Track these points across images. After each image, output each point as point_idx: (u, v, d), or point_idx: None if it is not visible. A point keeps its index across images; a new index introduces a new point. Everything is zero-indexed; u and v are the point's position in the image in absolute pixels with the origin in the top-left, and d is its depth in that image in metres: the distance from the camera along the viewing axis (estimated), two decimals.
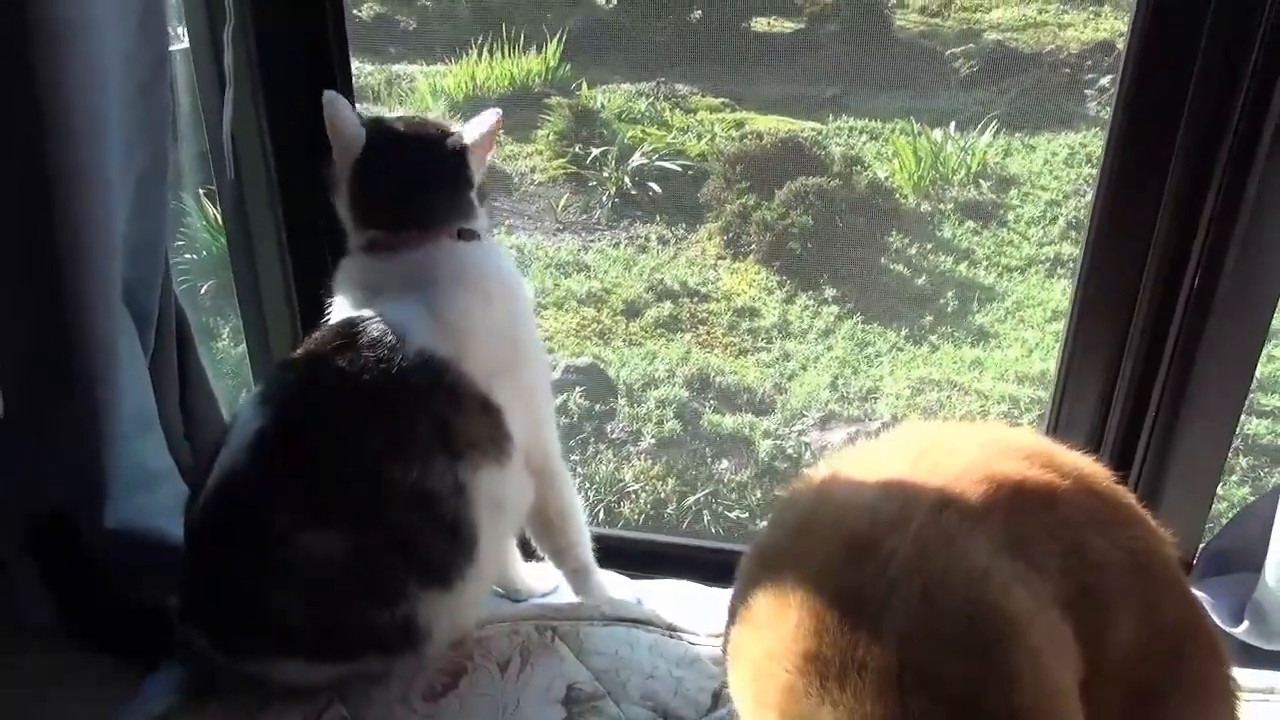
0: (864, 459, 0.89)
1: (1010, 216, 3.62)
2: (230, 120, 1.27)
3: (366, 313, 1.05)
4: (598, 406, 2.80)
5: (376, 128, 1.08)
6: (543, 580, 1.33)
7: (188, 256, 3.02)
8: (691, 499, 2.54)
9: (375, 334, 1.01)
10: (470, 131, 1.09)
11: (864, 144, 3.98)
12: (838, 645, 0.71)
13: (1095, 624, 0.78)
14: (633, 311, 3.22)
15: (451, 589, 1.07)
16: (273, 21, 1.25)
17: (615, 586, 1.33)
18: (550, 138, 3.97)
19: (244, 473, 1.01)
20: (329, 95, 1.07)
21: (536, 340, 1.16)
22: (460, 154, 1.08)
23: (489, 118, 1.10)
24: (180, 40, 1.29)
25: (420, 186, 1.07)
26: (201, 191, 2.97)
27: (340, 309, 1.11)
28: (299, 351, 1.08)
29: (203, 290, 3.01)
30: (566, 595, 1.32)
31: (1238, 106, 1.09)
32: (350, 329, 1.03)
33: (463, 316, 1.05)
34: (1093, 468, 0.88)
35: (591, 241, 3.54)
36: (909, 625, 0.72)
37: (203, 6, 1.24)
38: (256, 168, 1.33)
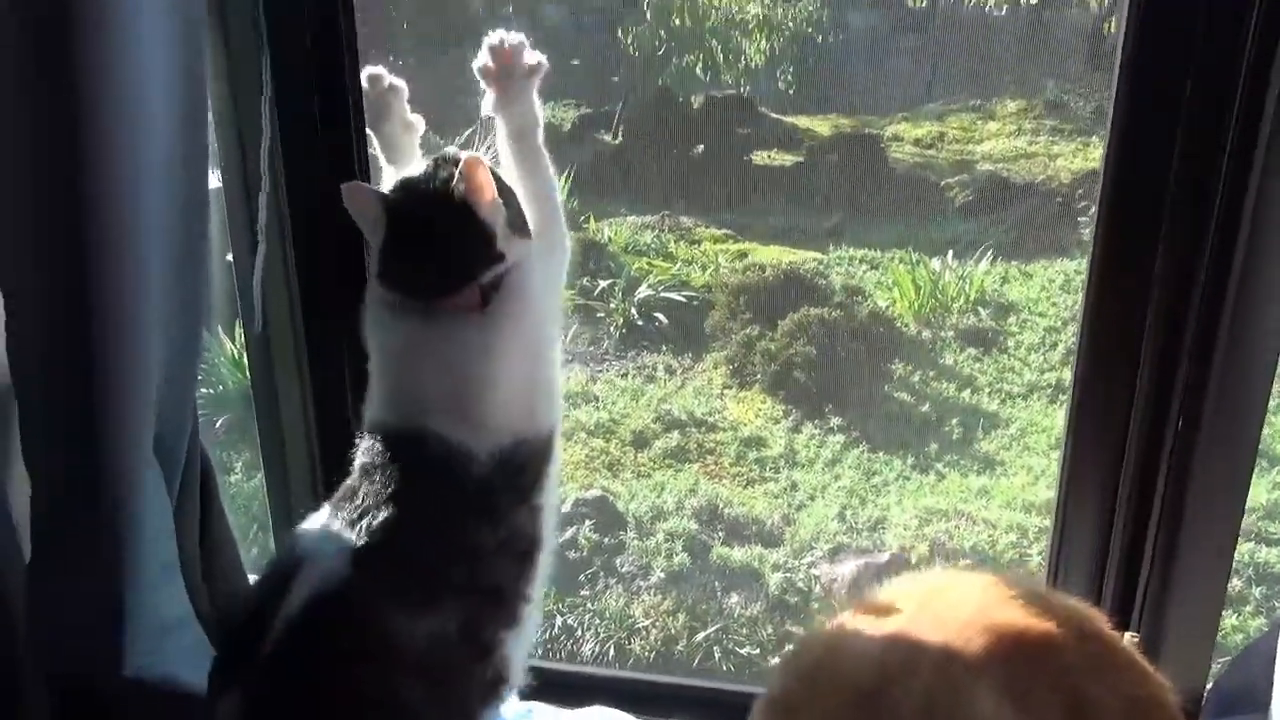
0: (868, 610, 0.91)
1: (1010, 343, 3.69)
2: (261, 277, 1.33)
3: (426, 426, 1.04)
4: (607, 540, 2.81)
5: (393, 216, 1.06)
6: None
7: (205, 391, 3.08)
8: (702, 635, 2.52)
9: (442, 455, 1.01)
10: (472, 197, 1.03)
11: (864, 273, 4.09)
12: None
13: None
14: (641, 442, 3.26)
15: (523, 619, 1.07)
16: (305, 185, 1.32)
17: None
18: None
19: (342, 589, 0.99)
20: (347, 187, 1.07)
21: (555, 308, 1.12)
22: (470, 223, 1.03)
23: (472, 170, 1.02)
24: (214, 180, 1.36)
25: (439, 272, 1.05)
26: (220, 327, 3.06)
27: (378, 378, 1.09)
28: (360, 470, 1.07)
29: (218, 424, 3.07)
30: None
31: (1210, 233, 1.14)
32: (416, 448, 1.03)
33: (505, 411, 1.04)
34: (1089, 613, 0.91)
35: (600, 372, 3.60)
36: None
37: (239, 173, 1.33)
38: (283, 320, 1.38)
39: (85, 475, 1.15)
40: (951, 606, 0.87)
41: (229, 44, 1.26)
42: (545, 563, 1.10)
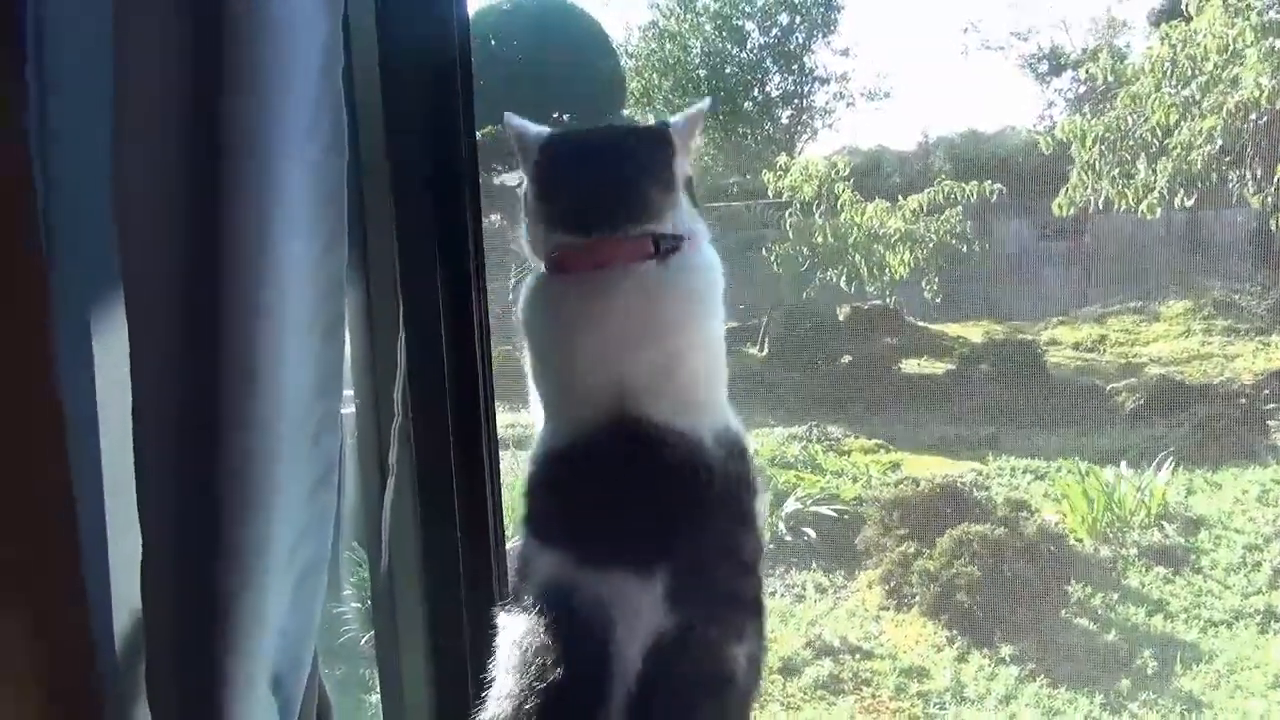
0: None
1: (1205, 562, 3.34)
2: (389, 509, 1.34)
3: (640, 415, 0.91)
4: None
5: (561, 132, 1.00)
6: None
7: (355, 605, 3.12)
8: None
9: (676, 447, 0.90)
10: (679, 140, 0.96)
11: (1028, 484, 3.86)
12: None
13: None
14: (790, 670, 3.05)
15: None
16: (432, 425, 1.35)
17: None
18: None
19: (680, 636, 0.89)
20: (509, 115, 1.00)
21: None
22: (660, 145, 0.96)
23: (697, 117, 0.97)
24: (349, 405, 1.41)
25: (609, 180, 0.97)
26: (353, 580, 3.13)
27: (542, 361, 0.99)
28: (577, 477, 0.96)
29: (364, 640, 3.08)
30: None
31: None
32: (641, 445, 0.91)
33: (715, 381, 0.95)
34: None
35: None
36: None
37: (372, 408, 1.37)
38: (408, 554, 1.38)
39: (202, 710, 1.14)
40: None
41: (370, 289, 1.33)
42: None
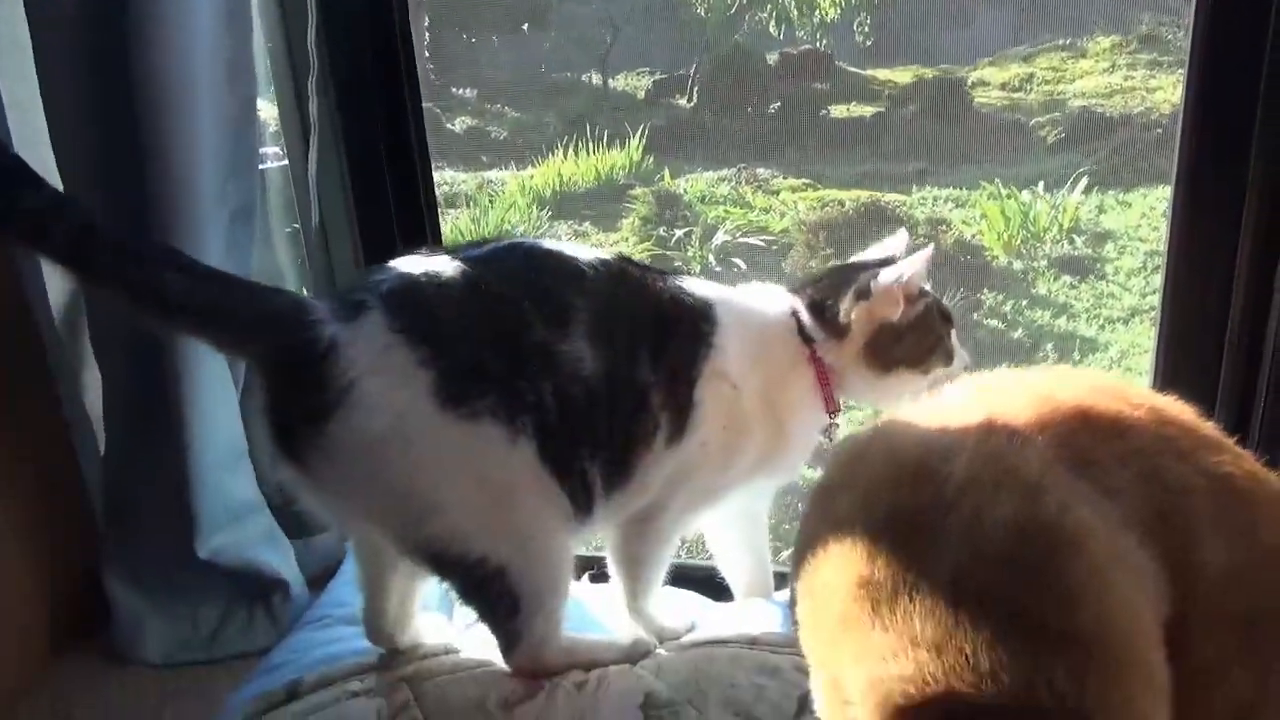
0: (919, 407, 0.87)
1: (1109, 270, 3.52)
2: (315, 164, 1.35)
3: None
4: None
5: None
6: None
7: None
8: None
9: None
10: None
11: (950, 210, 3.96)
12: (890, 568, 0.69)
13: (1181, 550, 0.73)
14: None
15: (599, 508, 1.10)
16: (353, 72, 1.33)
17: (670, 614, 1.30)
18: (635, 224, 4.07)
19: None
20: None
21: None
22: None
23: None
24: (270, 106, 1.39)
25: None
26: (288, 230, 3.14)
27: None
28: None
29: None
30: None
31: None
32: None
33: None
34: (1169, 402, 0.84)
35: None
36: (961, 544, 0.69)
37: (286, 62, 1.35)
38: (338, 210, 1.40)
39: (150, 366, 1.18)
40: (1004, 392, 0.82)
41: None
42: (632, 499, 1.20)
